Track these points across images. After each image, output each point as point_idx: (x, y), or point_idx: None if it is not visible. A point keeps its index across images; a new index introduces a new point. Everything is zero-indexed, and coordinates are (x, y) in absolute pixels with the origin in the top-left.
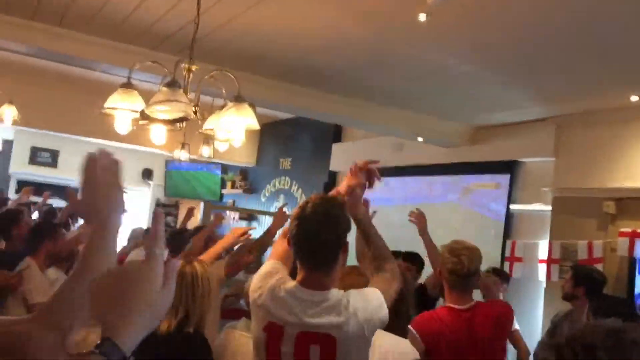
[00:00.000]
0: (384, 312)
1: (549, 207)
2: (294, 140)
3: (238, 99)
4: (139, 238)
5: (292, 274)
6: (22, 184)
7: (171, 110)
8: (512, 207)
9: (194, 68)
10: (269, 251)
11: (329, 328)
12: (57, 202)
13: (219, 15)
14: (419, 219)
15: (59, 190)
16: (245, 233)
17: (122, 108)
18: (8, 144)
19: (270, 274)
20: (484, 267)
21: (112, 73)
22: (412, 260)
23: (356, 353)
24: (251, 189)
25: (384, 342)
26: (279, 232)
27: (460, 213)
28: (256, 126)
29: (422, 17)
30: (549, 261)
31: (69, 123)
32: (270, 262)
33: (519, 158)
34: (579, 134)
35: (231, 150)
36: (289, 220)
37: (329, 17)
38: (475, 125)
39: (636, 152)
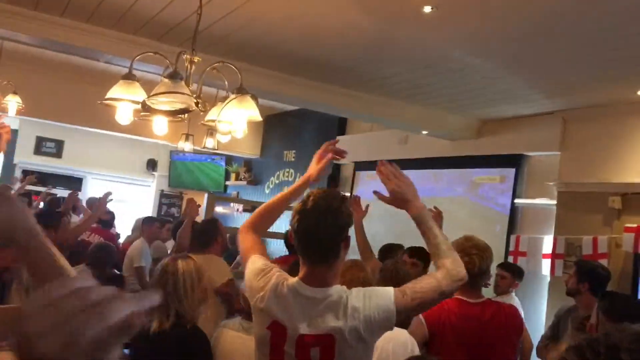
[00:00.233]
0: (389, 313)
1: (554, 202)
2: (298, 132)
3: (240, 91)
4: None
5: (292, 271)
6: (27, 174)
7: (172, 102)
8: (517, 201)
9: (196, 59)
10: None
11: (328, 328)
12: (61, 192)
13: (222, 6)
14: (435, 219)
15: (64, 180)
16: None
17: (123, 99)
18: (13, 133)
19: (266, 271)
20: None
21: (117, 64)
22: (418, 255)
23: (354, 353)
24: (255, 181)
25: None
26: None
27: (466, 206)
28: (258, 118)
29: (427, 9)
30: (553, 256)
31: (73, 113)
32: (255, 257)
33: (524, 152)
34: (585, 128)
35: (235, 142)
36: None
37: (333, 8)
38: (480, 118)
39: None
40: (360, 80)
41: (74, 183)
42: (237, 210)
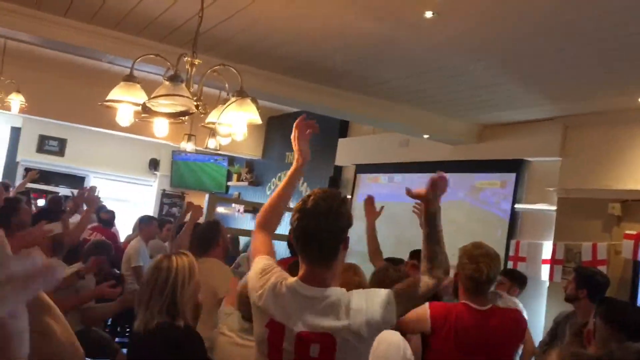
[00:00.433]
0: (389, 314)
1: (554, 208)
2: None
3: (240, 94)
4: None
5: (291, 271)
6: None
7: (172, 104)
8: (517, 206)
9: (196, 62)
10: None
11: (328, 328)
12: (64, 190)
13: (224, 8)
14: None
15: (66, 179)
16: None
17: (124, 101)
18: (16, 131)
19: (267, 271)
20: None
21: (120, 64)
22: (419, 257)
23: (354, 353)
24: (257, 182)
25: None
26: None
27: (466, 211)
28: (258, 121)
29: (429, 14)
30: (552, 262)
31: (76, 112)
32: (260, 258)
33: (525, 157)
34: (586, 135)
35: (237, 143)
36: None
37: (335, 11)
38: (481, 123)
39: None
40: (362, 84)
41: (77, 181)
42: (239, 211)
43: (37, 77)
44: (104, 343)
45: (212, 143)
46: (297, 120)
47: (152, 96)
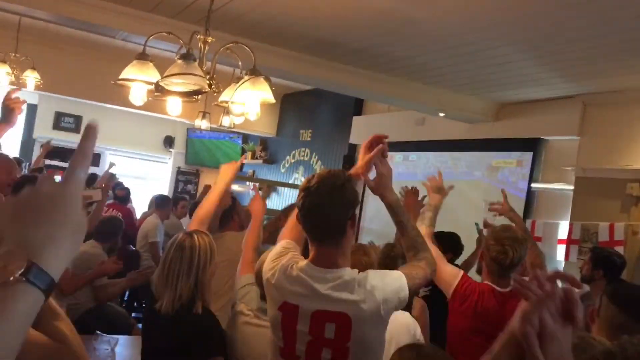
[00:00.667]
0: (404, 293)
1: (571, 187)
2: (314, 111)
3: (254, 72)
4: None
5: (305, 254)
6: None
7: (185, 83)
8: (534, 185)
9: (209, 40)
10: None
11: (343, 306)
12: None
13: None
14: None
15: None
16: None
17: (137, 79)
18: (32, 108)
19: (282, 254)
20: None
21: (134, 41)
22: (444, 242)
23: (371, 332)
24: (271, 160)
25: None
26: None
27: (483, 190)
28: (271, 100)
29: None
30: (569, 242)
31: (91, 89)
32: (282, 242)
33: (542, 136)
34: (605, 113)
35: (251, 121)
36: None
37: None
38: (499, 101)
39: None
40: (377, 61)
41: (92, 158)
42: (252, 188)
43: (52, 54)
44: (120, 318)
45: (226, 121)
46: (380, 137)
47: (164, 75)
